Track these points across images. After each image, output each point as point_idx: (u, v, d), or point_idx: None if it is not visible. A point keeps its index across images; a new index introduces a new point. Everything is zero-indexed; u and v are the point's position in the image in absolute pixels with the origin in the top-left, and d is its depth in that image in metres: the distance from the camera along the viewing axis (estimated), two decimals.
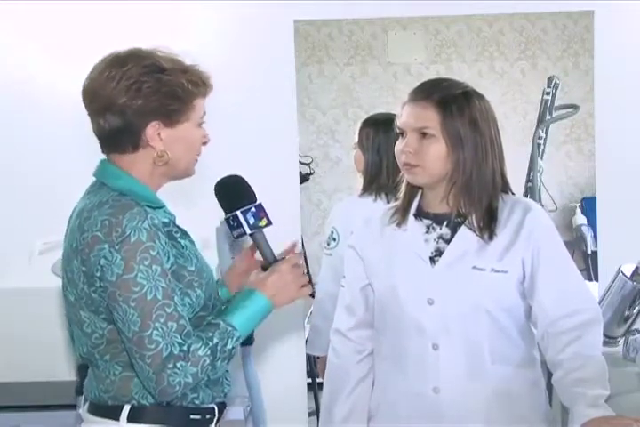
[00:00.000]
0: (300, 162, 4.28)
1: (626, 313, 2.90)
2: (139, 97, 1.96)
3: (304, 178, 4.96)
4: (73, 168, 3.65)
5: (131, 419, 1.97)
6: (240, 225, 2.09)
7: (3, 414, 3.21)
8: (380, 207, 2.59)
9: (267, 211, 2.11)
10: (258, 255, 2.21)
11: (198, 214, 3.20)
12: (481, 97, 2.33)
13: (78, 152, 3.64)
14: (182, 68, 2.01)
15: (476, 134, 2.28)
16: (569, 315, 2.25)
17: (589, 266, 4.90)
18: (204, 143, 2.07)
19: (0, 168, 3.77)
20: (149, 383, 1.90)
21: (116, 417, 1.98)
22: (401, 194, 2.40)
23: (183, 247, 1.99)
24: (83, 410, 2.07)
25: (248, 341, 2.09)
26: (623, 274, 2.88)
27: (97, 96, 1.98)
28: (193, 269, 1.99)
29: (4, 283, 3.32)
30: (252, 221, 2.09)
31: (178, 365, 1.88)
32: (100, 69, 1.99)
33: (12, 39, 3.78)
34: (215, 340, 1.93)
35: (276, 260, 2.11)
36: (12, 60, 3.77)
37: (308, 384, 4.07)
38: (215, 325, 1.96)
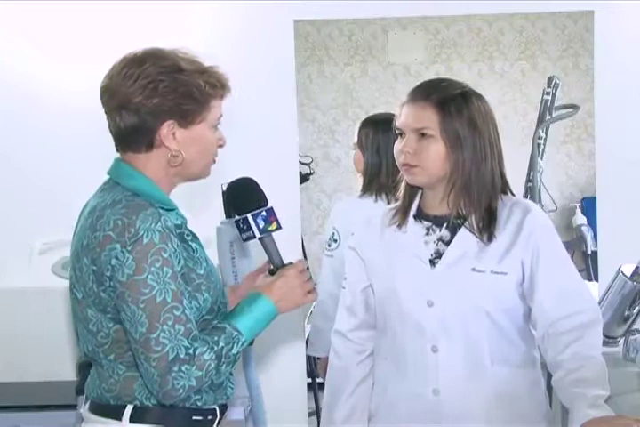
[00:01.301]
0: (300, 162, 4.28)
1: (626, 313, 2.90)
2: (155, 96, 1.96)
3: (304, 178, 4.95)
4: (73, 168, 3.67)
5: (133, 419, 1.97)
6: (250, 228, 2.08)
7: (3, 415, 3.21)
8: (380, 208, 2.59)
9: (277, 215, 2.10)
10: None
11: (198, 214, 3.20)
12: (480, 97, 2.33)
13: (79, 152, 3.66)
14: (201, 68, 2.01)
15: (475, 135, 2.28)
16: (568, 316, 2.25)
17: (589, 266, 4.90)
18: (221, 146, 2.07)
19: (0, 168, 3.77)
20: (153, 386, 1.90)
21: (119, 417, 1.98)
22: (400, 194, 2.39)
23: (194, 251, 1.99)
24: (84, 409, 2.07)
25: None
26: (623, 274, 2.88)
27: (114, 94, 1.98)
28: (202, 272, 1.99)
29: (4, 283, 3.32)
30: (261, 224, 2.08)
31: (183, 368, 1.88)
32: (118, 68, 2.00)
33: (12, 39, 3.77)
34: (221, 344, 1.93)
35: (283, 264, 2.11)
36: (12, 60, 3.77)
37: (308, 384, 4.06)
38: (221, 329, 1.96)
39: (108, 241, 1.90)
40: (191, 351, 1.89)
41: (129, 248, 1.88)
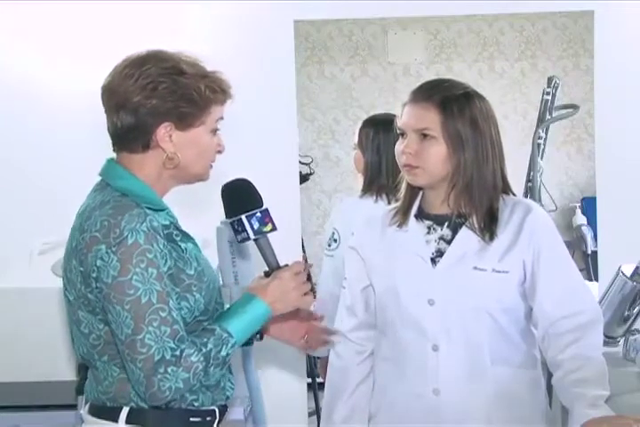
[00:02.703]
0: (300, 162, 4.28)
1: (626, 313, 2.90)
2: (153, 97, 1.95)
3: (304, 178, 4.95)
4: (73, 168, 3.66)
5: (129, 421, 1.96)
6: (244, 230, 2.06)
7: (3, 415, 3.21)
8: (381, 208, 2.58)
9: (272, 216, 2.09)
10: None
11: (198, 214, 3.20)
12: (481, 98, 2.33)
13: (78, 152, 3.65)
14: (202, 72, 2.00)
15: (477, 135, 2.28)
16: (569, 316, 2.25)
17: (589, 266, 4.91)
18: (219, 152, 2.05)
19: (0, 168, 3.77)
20: (139, 387, 1.88)
21: (115, 419, 1.97)
22: (401, 195, 2.39)
23: (183, 251, 1.97)
24: (84, 411, 2.07)
25: (249, 341, 2.08)
26: (623, 274, 2.88)
27: (113, 93, 1.97)
28: (192, 273, 1.97)
29: (4, 283, 3.32)
30: (256, 226, 2.06)
31: (169, 370, 1.86)
32: (120, 68, 1.99)
33: (12, 39, 3.77)
34: (209, 346, 1.91)
35: (278, 266, 2.09)
36: (12, 60, 3.77)
37: (308, 384, 4.06)
38: (211, 330, 1.94)
39: (94, 242, 1.89)
40: (177, 353, 1.87)
41: (114, 249, 1.87)
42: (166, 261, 1.91)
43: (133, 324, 1.86)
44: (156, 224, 1.91)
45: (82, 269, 1.92)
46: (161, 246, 1.90)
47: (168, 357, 1.86)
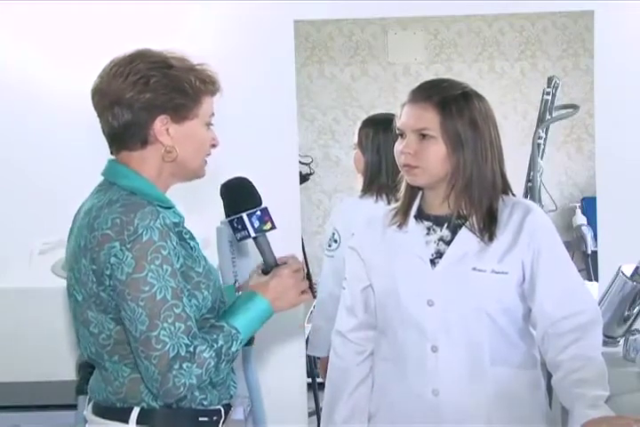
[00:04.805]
0: (300, 162, 4.27)
1: (626, 313, 2.90)
2: (146, 91, 1.96)
3: (304, 178, 4.95)
4: (73, 168, 3.67)
5: (140, 421, 1.97)
6: (244, 228, 2.07)
7: (3, 414, 3.21)
8: (381, 208, 2.58)
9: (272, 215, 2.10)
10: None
11: (198, 214, 3.20)
12: (481, 98, 2.33)
13: (79, 153, 3.65)
14: (190, 65, 2.01)
15: (476, 135, 2.28)
16: (569, 316, 2.25)
17: (589, 266, 4.91)
18: (214, 146, 2.07)
19: (0, 168, 3.77)
20: (154, 384, 1.89)
21: (125, 420, 1.97)
22: (401, 195, 2.39)
23: (192, 249, 1.99)
24: (87, 411, 2.07)
25: (248, 341, 2.09)
26: (623, 274, 2.88)
27: (105, 93, 1.98)
28: (201, 270, 1.98)
29: (4, 283, 3.32)
30: (256, 224, 2.07)
31: (184, 366, 1.87)
32: (107, 68, 2.00)
33: (12, 39, 3.78)
34: (220, 342, 1.93)
35: (277, 264, 2.10)
36: (12, 60, 3.78)
37: (308, 384, 4.07)
38: (219, 327, 1.96)
39: (106, 240, 1.89)
40: (191, 349, 1.89)
41: (128, 246, 1.87)
42: (178, 258, 1.93)
43: (148, 320, 1.87)
44: (168, 222, 1.92)
45: (94, 267, 1.92)
46: (174, 244, 1.92)
47: (183, 353, 1.87)
